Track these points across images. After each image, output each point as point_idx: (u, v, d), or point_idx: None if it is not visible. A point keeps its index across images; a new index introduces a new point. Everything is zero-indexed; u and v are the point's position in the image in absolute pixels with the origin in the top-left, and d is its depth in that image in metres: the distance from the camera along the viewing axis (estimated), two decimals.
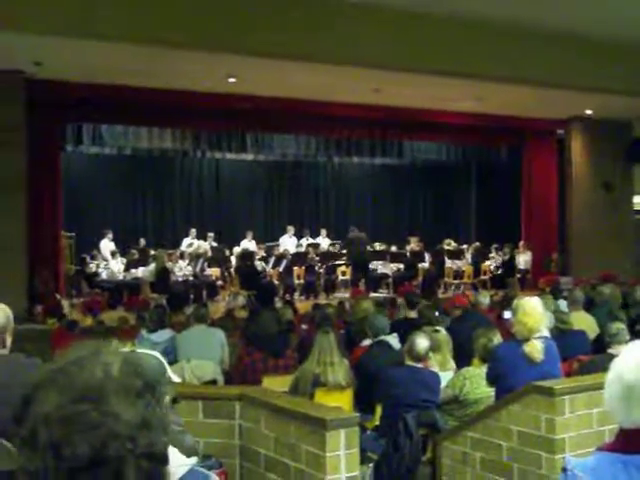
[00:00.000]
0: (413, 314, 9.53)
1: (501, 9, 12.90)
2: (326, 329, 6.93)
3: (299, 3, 12.26)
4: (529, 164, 20.72)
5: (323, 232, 21.17)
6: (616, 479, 1.87)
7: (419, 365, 6.30)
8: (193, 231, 19.48)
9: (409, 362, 6.28)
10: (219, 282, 17.98)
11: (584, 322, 8.86)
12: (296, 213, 23.33)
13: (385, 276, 19.00)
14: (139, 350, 2.12)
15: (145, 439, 1.24)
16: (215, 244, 19.37)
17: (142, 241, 19.42)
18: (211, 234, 19.69)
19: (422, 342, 6.29)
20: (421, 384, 6.15)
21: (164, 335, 8.58)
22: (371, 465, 5.91)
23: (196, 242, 18.91)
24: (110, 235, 18.50)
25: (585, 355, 7.37)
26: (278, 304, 14.24)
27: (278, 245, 19.75)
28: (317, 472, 4.32)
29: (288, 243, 19.82)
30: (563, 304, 9.99)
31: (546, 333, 6.06)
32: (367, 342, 7.69)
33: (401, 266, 19.22)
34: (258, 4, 12.02)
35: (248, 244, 19.34)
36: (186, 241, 19.18)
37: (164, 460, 1.29)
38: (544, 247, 20.21)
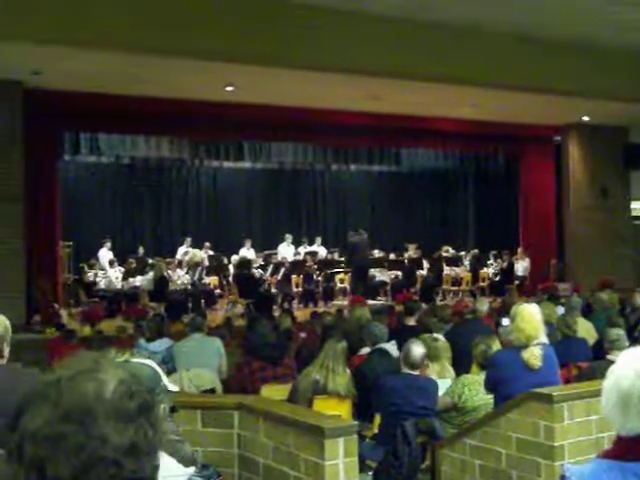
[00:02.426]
0: (412, 322, 9.51)
1: (498, 16, 12.92)
2: (339, 338, 6.96)
3: (296, 12, 12.27)
4: (526, 170, 20.75)
5: (318, 240, 21.16)
6: None
7: (415, 372, 6.29)
8: (188, 240, 19.49)
9: (405, 370, 6.27)
10: (217, 291, 17.97)
11: (583, 328, 8.86)
12: (294, 221, 23.32)
13: (383, 283, 19.00)
14: (134, 360, 2.11)
15: (131, 465, 1.21)
16: (211, 253, 19.36)
17: (141, 250, 19.40)
18: (207, 244, 19.66)
19: (418, 349, 6.27)
20: (418, 391, 6.13)
21: (162, 344, 8.58)
22: (370, 473, 5.91)
23: (191, 250, 18.90)
24: (108, 244, 18.48)
25: (585, 361, 7.37)
26: (276, 312, 14.23)
27: (276, 253, 19.74)
28: None
29: (286, 251, 19.81)
30: (561, 310, 9.99)
31: (544, 340, 6.05)
32: (366, 350, 7.68)
33: (399, 273, 19.22)
34: (256, 13, 12.04)
35: (246, 252, 19.33)
36: (181, 250, 19.18)
37: None
38: (542, 254, 20.21)
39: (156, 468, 1.28)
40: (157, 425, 1.29)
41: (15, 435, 1.22)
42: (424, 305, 12.73)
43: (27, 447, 1.20)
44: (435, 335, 7.76)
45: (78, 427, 1.20)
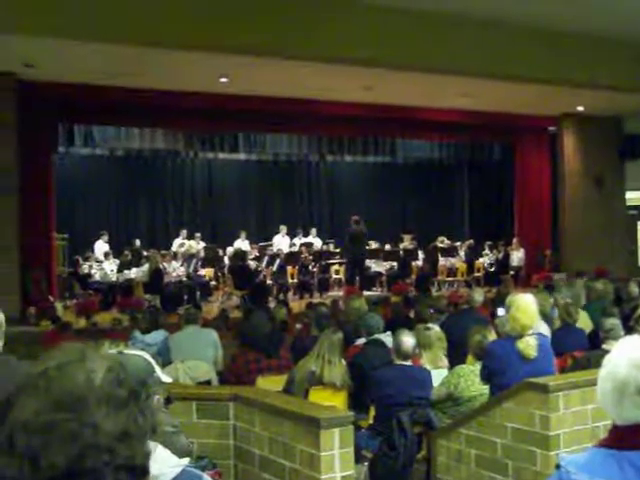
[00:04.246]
0: (412, 313, 9.54)
1: (492, 5, 12.90)
2: (335, 328, 6.97)
3: (290, 3, 12.24)
4: (521, 161, 20.76)
5: (313, 231, 21.13)
6: (609, 475, 1.86)
7: (408, 363, 6.29)
8: (184, 232, 19.46)
9: (398, 361, 6.28)
10: (213, 282, 17.96)
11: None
12: (289, 213, 23.27)
13: (379, 274, 19.00)
14: (127, 351, 2.10)
15: (124, 451, 1.21)
16: (203, 243, 19.34)
17: (137, 242, 19.36)
18: (198, 234, 19.64)
19: (408, 340, 6.28)
20: (413, 382, 6.14)
21: (158, 336, 8.57)
22: (366, 464, 5.91)
23: (187, 242, 18.88)
24: (105, 237, 18.47)
25: (582, 351, 7.37)
26: (272, 304, 14.20)
27: (271, 245, 19.72)
28: (312, 471, 4.31)
29: (281, 243, 19.80)
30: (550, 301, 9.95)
31: (540, 329, 6.06)
32: (361, 341, 7.68)
33: (395, 264, 19.22)
34: (249, 4, 12.00)
35: (241, 244, 19.32)
36: (177, 242, 19.15)
37: (144, 472, 1.26)
38: (537, 244, 20.24)
39: (147, 455, 1.28)
40: (146, 412, 1.29)
41: (4, 427, 1.21)
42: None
43: (19, 438, 1.19)
44: (429, 325, 7.76)
45: (70, 415, 1.20)
